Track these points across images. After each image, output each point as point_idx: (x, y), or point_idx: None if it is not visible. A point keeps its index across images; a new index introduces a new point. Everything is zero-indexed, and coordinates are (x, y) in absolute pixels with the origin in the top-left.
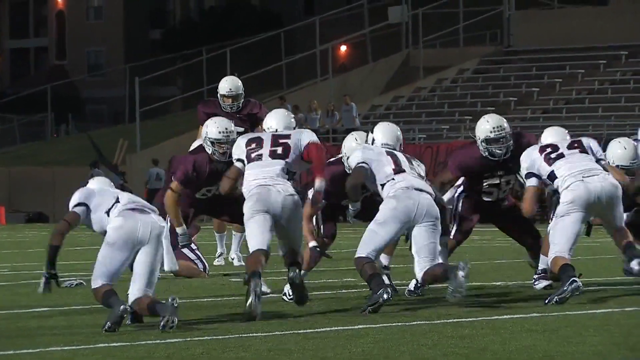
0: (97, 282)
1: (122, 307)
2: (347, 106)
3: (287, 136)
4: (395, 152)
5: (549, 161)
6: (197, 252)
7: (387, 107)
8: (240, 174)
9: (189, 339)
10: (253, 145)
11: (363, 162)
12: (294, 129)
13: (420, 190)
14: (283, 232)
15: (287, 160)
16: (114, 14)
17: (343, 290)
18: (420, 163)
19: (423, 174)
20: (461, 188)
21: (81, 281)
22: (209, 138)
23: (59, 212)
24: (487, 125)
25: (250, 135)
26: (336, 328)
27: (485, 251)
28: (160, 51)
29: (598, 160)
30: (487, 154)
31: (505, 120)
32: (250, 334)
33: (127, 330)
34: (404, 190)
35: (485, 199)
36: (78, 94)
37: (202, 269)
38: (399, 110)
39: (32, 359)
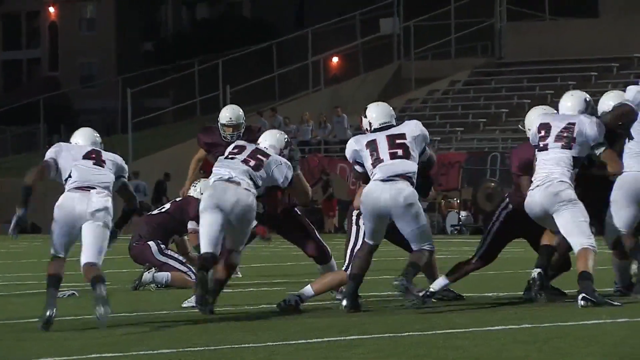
0: (50, 251)
1: (48, 312)
2: (339, 117)
3: (267, 155)
4: (376, 138)
5: (537, 148)
6: (187, 264)
7: None
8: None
9: (180, 349)
10: (235, 151)
11: (354, 161)
12: (283, 148)
13: (393, 179)
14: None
15: (256, 172)
16: (107, 25)
17: (335, 301)
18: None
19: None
20: (507, 200)
21: (73, 292)
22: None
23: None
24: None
25: (240, 142)
26: (328, 339)
27: None
28: (153, 62)
29: (590, 158)
30: None
31: None
32: (242, 345)
33: (119, 341)
34: (376, 183)
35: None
36: (71, 105)
37: (194, 280)
38: None
39: None
